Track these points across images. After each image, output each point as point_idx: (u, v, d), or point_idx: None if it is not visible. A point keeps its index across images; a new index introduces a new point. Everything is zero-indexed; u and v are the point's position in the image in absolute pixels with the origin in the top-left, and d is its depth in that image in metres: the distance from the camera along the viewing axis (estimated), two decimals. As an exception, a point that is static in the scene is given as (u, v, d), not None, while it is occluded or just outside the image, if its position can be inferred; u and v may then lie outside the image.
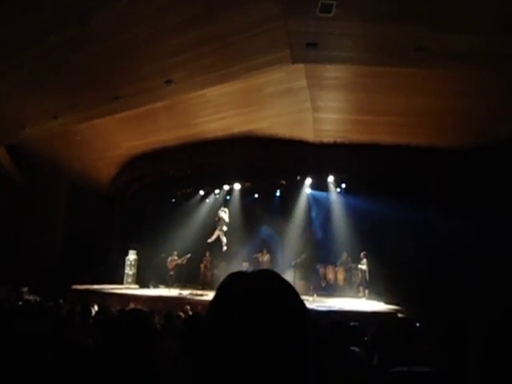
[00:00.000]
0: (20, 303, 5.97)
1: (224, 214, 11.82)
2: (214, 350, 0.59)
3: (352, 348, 2.79)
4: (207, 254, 12.69)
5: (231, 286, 0.64)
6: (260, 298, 0.60)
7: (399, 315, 7.12)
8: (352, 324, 3.77)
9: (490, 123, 7.70)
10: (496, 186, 7.97)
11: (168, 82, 6.85)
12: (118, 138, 10.56)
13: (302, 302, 0.63)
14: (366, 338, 3.80)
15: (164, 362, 2.06)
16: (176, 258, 12.49)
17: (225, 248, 11.85)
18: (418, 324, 4.25)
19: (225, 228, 11.74)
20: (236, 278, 0.66)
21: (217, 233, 11.77)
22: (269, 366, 0.56)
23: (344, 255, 11.16)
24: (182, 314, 5.14)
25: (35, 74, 6.79)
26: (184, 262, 12.40)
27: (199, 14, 5.16)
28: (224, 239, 11.77)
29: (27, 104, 8.00)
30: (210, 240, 11.91)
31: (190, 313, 5.73)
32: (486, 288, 6.93)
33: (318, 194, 12.19)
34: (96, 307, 5.59)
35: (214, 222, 12.04)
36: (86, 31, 5.49)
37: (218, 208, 12.36)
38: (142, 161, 11.85)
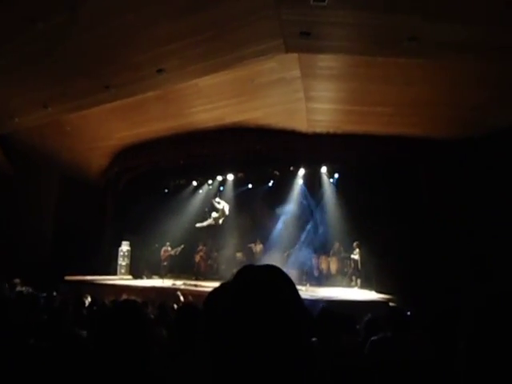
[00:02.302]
0: (12, 294, 5.94)
1: (226, 207, 11.67)
2: (231, 327, 0.70)
3: (344, 336, 2.84)
4: (201, 245, 12.72)
5: (247, 276, 0.77)
6: (268, 287, 0.73)
7: (391, 304, 7.22)
8: (344, 313, 3.82)
9: (482, 114, 7.74)
10: (487, 175, 8.06)
11: (159, 71, 6.75)
12: (109, 128, 10.42)
13: (297, 293, 0.76)
14: (358, 327, 3.86)
15: (158, 351, 2.07)
16: (169, 248, 12.50)
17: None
18: (409, 312, 4.32)
19: (220, 221, 11.69)
20: (249, 270, 0.79)
21: (210, 221, 11.72)
22: (274, 341, 0.68)
23: (336, 245, 11.26)
24: (175, 305, 5.18)
25: (23, 62, 6.64)
26: (177, 254, 12.43)
27: (190, 1, 5.08)
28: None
29: (16, 93, 7.84)
30: (199, 225, 11.92)
31: (182, 298, 5.80)
32: (477, 276, 7.05)
33: (310, 183, 12.23)
34: (89, 298, 5.59)
35: (205, 212, 12.00)
36: (75, 19, 5.37)
37: (212, 198, 12.30)
38: (134, 151, 11.73)
